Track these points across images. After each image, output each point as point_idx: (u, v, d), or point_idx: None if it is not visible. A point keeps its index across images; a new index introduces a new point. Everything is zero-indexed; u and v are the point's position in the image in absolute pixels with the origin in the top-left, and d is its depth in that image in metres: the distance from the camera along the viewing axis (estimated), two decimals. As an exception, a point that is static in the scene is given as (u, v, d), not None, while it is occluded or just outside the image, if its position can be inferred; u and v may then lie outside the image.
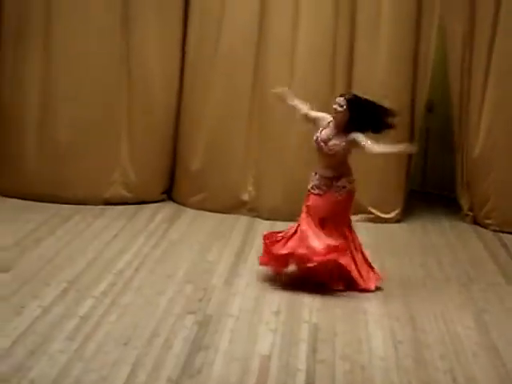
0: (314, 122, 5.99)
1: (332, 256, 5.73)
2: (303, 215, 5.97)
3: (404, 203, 8.08)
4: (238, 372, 4.39)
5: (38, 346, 4.50)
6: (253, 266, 6.24)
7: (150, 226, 7.19)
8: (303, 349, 4.75)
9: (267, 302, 5.52)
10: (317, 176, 5.96)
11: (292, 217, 7.63)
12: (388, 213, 7.96)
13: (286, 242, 5.90)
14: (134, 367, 4.34)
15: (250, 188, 7.88)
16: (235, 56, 7.67)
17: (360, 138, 5.74)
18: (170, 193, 8.26)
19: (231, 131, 7.78)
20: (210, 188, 7.87)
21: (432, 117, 8.77)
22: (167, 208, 7.90)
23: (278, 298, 5.59)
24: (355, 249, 6.01)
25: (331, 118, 5.90)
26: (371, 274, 5.98)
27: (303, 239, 5.79)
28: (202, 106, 7.79)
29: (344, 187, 5.92)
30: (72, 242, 6.54)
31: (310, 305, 5.51)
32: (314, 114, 6.02)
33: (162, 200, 8.10)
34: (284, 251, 5.84)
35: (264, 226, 7.48)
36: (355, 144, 5.79)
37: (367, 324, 5.23)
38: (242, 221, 7.63)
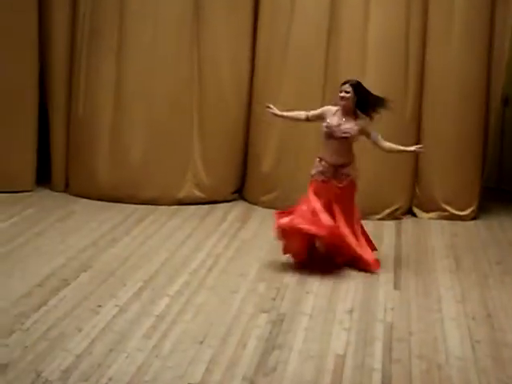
0: (320, 117, 6.19)
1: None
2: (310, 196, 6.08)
3: (479, 200, 7.92)
4: (312, 370, 4.39)
5: (116, 344, 4.59)
6: (325, 265, 6.22)
7: (222, 226, 7.24)
8: (378, 348, 4.70)
9: (341, 300, 5.49)
10: (322, 163, 6.13)
11: (365, 215, 7.62)
12: (463, 210, 7.82)
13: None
14: (209, 365, 4.38)
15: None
16: (306, 53, 7.64)
17: (370, 126, 6.07)
18: (241, 192, 8.31)
19: (302, 130, 7.73)
20: (281, 187, 7.88)
21: (508, 111, 8.58)
22: (239, 207, 7.95)
23: (352, 297, 5.56)
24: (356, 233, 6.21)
25: (336, 108, 6.12)
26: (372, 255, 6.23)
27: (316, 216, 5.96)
28: (273, 105, 7.78)
29: (348, 175, 6.12)
30: (147, 242, 6.64)
31: (384, 303, 5.46)
32: (317, 111, 6.24)
33: (234, 200, 8.15)
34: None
35: (336, 225, 7.45)
36: (365, 131, 6.08)
37: (443, 323, 5.15)
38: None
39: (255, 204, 8.05)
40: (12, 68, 7.83)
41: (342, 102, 6.09)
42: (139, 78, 7.74)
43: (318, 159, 6.19)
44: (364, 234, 6.37)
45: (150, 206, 7.70)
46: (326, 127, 6.07)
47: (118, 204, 7.74)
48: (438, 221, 7.73)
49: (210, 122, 7.94)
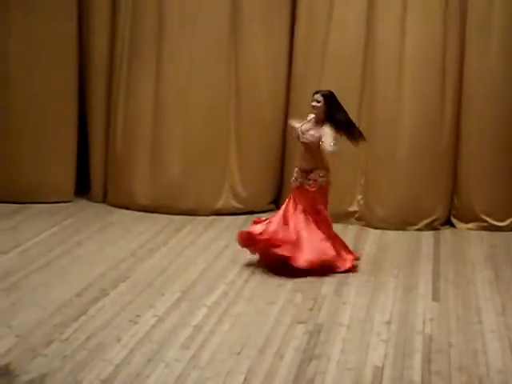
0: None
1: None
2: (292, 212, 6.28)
3: (518, 211, 7.81)
4: (350, 382, 4.36)
5: (154, 354, 4.61)
6: (363, 276, 6.20)
7: (259, 236, 7.24)
8: (417, 360, 4.66)
9: (378, 311, 5.45)
10: (296, 169, 6.38)
11: (403, 226, 7.59)
12: (502, 221, 7.72)
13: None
14: (247, 376, 4.37)
15: (359, 197, 7.83)
16: (343, 64, 7.63)
17: (326, 131, 6.13)
18: (278, 202, 8.30)
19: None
20: (318, 197, 7.85)
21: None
22: (276, 218, 7.94)
23: (390, 308, 5.52)
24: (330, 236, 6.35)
25: (313, 116, 6.34)
26: (348, 256, 6.37)
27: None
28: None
29: (315, 180, 6.28)
30: (184, 253, 6.68)
31: (422, 315, 5.41)
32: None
33: (271, 210, 8.15)
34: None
35: (373, 236, 7.42)
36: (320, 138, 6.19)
37: (483, 335, 5.08)
38: (350, 230, 7.58)
39: (292, 215, 8.02)
40: (52, 82, 7.95)
41: (314, 111, 6.29)
42: (178, 91, 7.80)
43: (296, 167, 6.44)
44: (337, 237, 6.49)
45: (187, 217, 7.74)
46: (296, 131, 6.39)
47: (156, 214, 7.80)
48: (477, 231, 7.64)
49: (246, 133, 7.96)
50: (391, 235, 7.47)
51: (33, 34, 7.85)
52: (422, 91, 7.52)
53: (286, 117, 8.05)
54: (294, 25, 7.90)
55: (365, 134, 7.68)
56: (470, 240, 7.41)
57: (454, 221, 7.87)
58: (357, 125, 6.43)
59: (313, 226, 6.30)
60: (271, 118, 8.01)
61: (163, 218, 7.70)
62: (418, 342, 4.92)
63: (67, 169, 8.18)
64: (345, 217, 7.79)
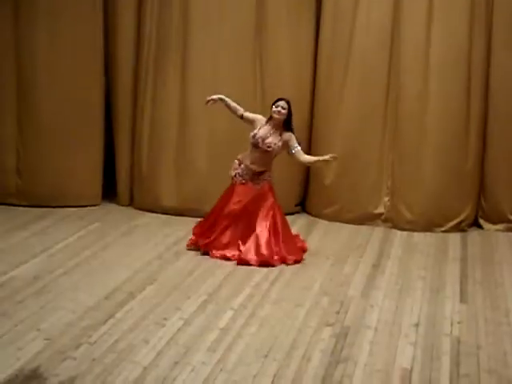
0: (251, 122, 6.62)
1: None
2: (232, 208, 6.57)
3: (547, 211, 7.73)
4: (378, 385, 4.35)
5: (181, 357, 4.62)
6: (390, 278, 6.17)
7: (285, 239, 7.23)
8: (446, 362, 4.63)
9: (406, 314, 5.42)
10: (242, 166, 6.57)
11: (430, 227, 7.54)
12: (531, 221, 7.65)
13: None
14: (274, 379, 4.37)
15: (386, 199, 7.79)
16: (368, 64, 7.61)
17: (294, 141, 6.47)
18: (304, 205, 8.30)
19: (365, 142, 7.72)
20: (344, 199, 7.85)
21: None
22: (301, 220, 7.94)
23: (417, 311, 5.49)
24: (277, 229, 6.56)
25: (265, 119, 6.56)
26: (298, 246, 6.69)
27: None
28: (335, 119, 7.78)
29: (265, 179, 6.57)
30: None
31: (450, 317, 5.37)
32: (251, 115, 6.67)
33: (297, 212, 8.15)
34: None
35: (400, 237, 7.39)
36: (287, 145, 6.47)
37: (512, 337, 5.04)
38: (377, 232, 7.56)
39: (318, 217, 8.03)
40: (79, 88, 7.99)
41: (278, 117, 6.48)
42: (203, 93, 7.76)
43: (237, 161, 6.63)
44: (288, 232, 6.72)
45: (213, 220, 7.75)
46: (253, 137, 6.50)
47: (182, 218, 7.83)
48: (505, 233, 7.57)
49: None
50: (418, 237, 7.43)
51: (58, 40, 7.91)
52: (448, 90, 7.48)
53: (311, 118, 8.06)
54: (319, 26, 7.88)
55: (391, 135, 7.74)
56: (498, 241, 7.35)
57: (481, 222, 7.81)
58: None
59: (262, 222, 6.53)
60: (296, 118, 7.95)
61: (189, 221, 7.71)
62: (446, 345, 4.89)
63: (94, 173, 8.24)
64: (371, 218, 7.77)
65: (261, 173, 6.58)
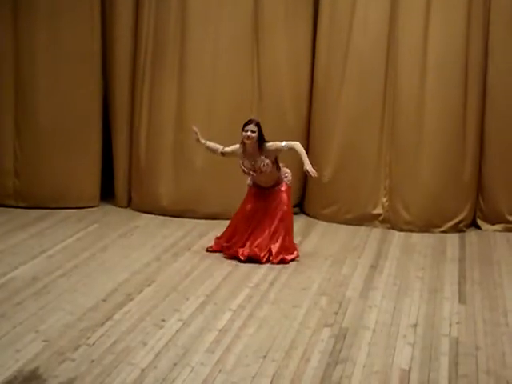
0: (232, 155, 6.57)
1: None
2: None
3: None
4: (377, 386, 4.35)
5: (180, 358, 4.62)
6: (388, 278, 6.17)
7: (283, 240, 7.24)
8: (444, 363, 4.63)
9: (404, 314, 5.42)
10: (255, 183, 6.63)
11: (428, 228, 7.55)
12: (529, 222, 7.66)
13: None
14: (273, 380, 4.37)
15: (384, 199, 7.80)
16: (365, 64, 7.62)
17: (275, 143, 6.34)
18: (301, 206, 8.30)
19: (363, 143, 7.73)
20: (342, 200, 7.85)
21: None
22: (299, 221, 7.93)
23: (415, 311, 5.49)
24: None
25: (240, 147, 6.45)
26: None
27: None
28: (333, 119, 7.78)
29: (278, 185, 6.57)
30: (208, 257, 6.69)
31: (449, 318, 5.38)
32: (228, 148, 6.56)
33: (295, 213, 8.12)
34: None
35: (398, 238, 7.40)
36: (276, 151, 6.37)
37: (511, 338, 5.03)
38: (375, 233, 7.56)
39: (316, 217, 8.03)
40: (77, 90, 8.02)
41: (248, 141, 6.35)
42: (200, 97, 7.83)
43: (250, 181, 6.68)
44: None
45: (211, 221, 7.76)
46: (243, 171, 6.52)
47: (180, 219, 7.83)
48: (504, 233, 7.58)
49: (269, 135, 7.93)
50: (416, 237, 7.43)
51: (57, 43, 7.93)
52: (446, 90, 7.49)
53: (309, 118, 8.07)
54: (317, 24, 7.89)
55: (389, 135, 7.75)
56: (496, 242, 7.36)
57: (479, 222, 7.82)
58: None
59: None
60: (294, 118, 8.01)
61: (187, 223, 7.73)
62: (445, 345, 4.89)
63: (92, 175, 8.25)
64: (369, 219, 7.77)
65: (274, 186, 6.60)
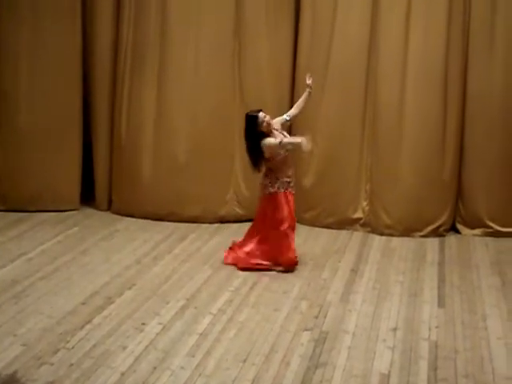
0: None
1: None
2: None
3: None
4: (356, 390, 4.36)
5: (160, 361, 4.61)
6: (369, 282, 6.19)
7: (264, 243, 7.24)
8: (423, 367, 4.65)
9: (384, 318, 5.45)
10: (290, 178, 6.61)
11: (408, 232, 7.58)
12: (508, 226, 7.69)
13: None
14: (253, 383, 4.38)
15: (364, 203, 7.82)
16: (346, 71, 7.63)
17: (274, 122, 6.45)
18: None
19: (344, 147, 7.74)
20: (322, 204, 7.86)
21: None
22: (280, 225, 7.94)
23: (395, 315, 5.51)
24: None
25: (276, 133, 6.45)
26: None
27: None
28: (314, 123, 7.79)
29: (264, 186, 6.55)
30: (189, 260, 6.68)
31: (428, 322, 5.40)
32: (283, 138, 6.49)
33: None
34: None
35: (379, 242, 7.42)
36: (281, 126, 6.50)
37: (489, 342, 5.07)
38: (355, 237, 7.58)
39: (297, 221, 8.02)
40: (57, 92, 7.99)
41: (271, 123, 6.39)
42: (181, 98, 7.81)
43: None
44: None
45: (191, 224, 7.75)
46: (285, 152, 6.49)
47: (161, 222, 7.81)
48: (483, 238, 7.63)
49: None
50: (396, 242, 7.46)
51: (38, 44, 7.90)
52: (425, 97, 7.52)
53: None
54: (298, 28, 7.91)
55: (369, 140, 7.78)
56: (476, 246, 7.40)
57: (459, 227, 7.86)
58: None
59: None
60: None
61: (168, 226, 7.71)
62: (424, 349, 4.92)
63: (72, 177, 8.20)
64: (350, 223, 7.79)
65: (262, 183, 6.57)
